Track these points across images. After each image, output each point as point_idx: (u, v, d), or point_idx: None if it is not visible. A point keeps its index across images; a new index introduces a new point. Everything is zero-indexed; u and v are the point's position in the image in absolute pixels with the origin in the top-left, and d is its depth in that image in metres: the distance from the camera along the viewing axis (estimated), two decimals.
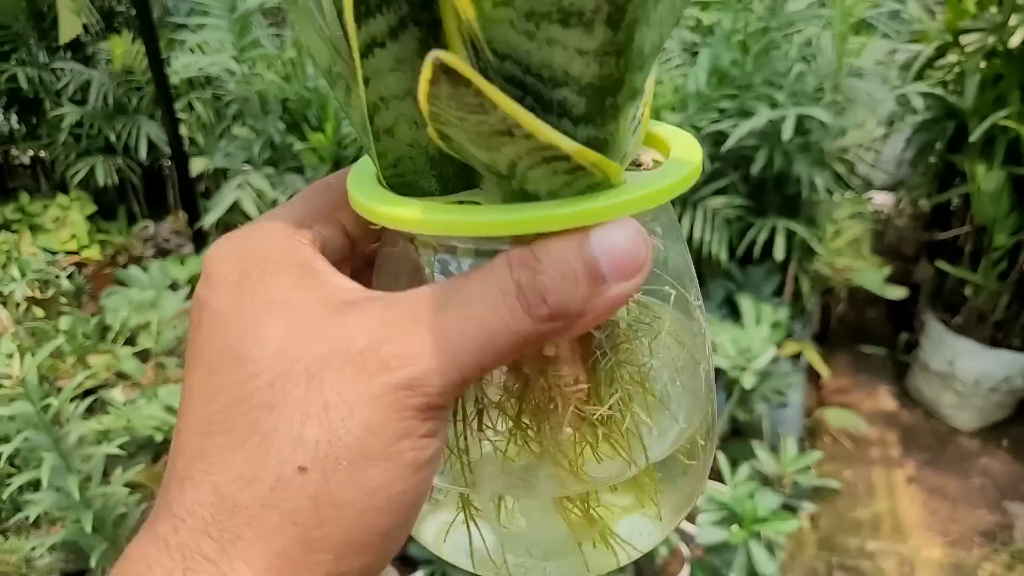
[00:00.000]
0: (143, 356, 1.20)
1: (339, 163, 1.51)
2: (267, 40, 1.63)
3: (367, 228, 0.21)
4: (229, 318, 0.18)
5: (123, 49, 1.85)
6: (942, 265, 1.64)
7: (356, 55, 0.16)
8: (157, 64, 1.49)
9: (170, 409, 1.02)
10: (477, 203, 0.19)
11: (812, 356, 1.42)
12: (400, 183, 0.19)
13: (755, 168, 1.31)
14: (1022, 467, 1.54)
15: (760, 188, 1.41)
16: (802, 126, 1.29)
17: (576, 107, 0.15)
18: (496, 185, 0.19)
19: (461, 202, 0.19)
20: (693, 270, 0.24)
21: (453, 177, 0.19)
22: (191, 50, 1.55)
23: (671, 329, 0.23)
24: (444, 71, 0.13)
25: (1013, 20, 1.34)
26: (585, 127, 0.16)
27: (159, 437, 0.99)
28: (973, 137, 1.43)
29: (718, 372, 1.20)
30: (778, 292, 1.48)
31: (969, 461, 1.57)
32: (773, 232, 1.37)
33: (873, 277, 1.47)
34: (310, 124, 1.54)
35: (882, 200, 2.02)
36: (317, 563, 0.16)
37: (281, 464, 0.16)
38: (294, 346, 0.17)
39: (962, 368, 1.58)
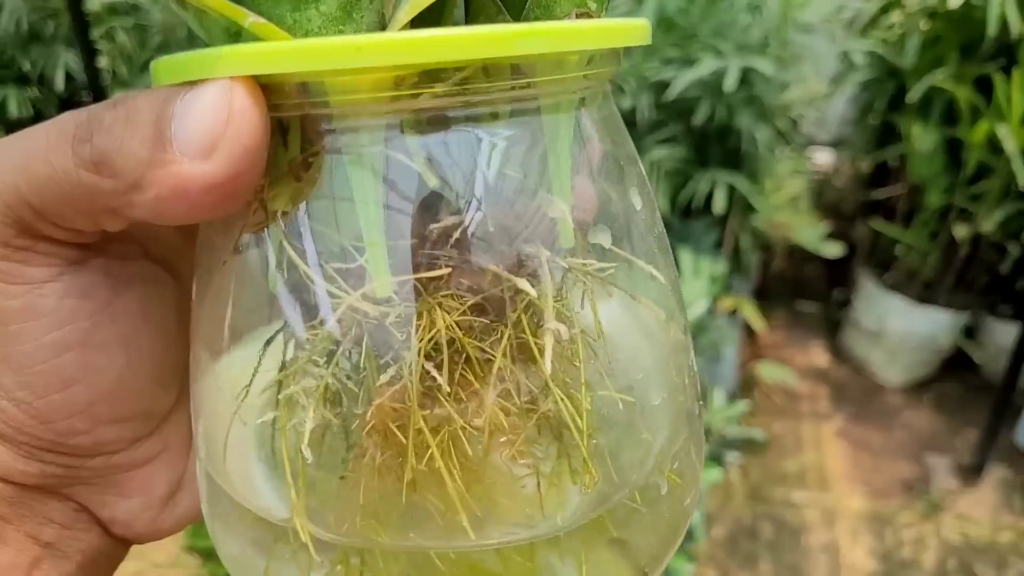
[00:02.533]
0: None
1: None
2: None
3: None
4: None
5: None
6: (875, 224, 1.67)
7: None
8: None
9: None
10: None
11: (749, 311, 1.43)
12: None
13: (698, 119, 1.29)
14: (941, 421, 1.60)
15: (702, 140, 1.40)
16: (746, 78, 1.28)
17: None
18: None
19: None
20: (661, 226, 0.19)
21: None
22: None
23: (626, 306, 0.18)
24: None
25: None
26: None
27: None
28: (911, 97, 1.44)
29: None
30: (717, 246, 1.48)
31: (893, 416, 1.62)
32: (714, 186, 1.36)
33: (811, 234, 1.48)
34: None
35: (824, 158, 2.05)
36: None
37: None
38: None
39: (891, 325, 1.63)
